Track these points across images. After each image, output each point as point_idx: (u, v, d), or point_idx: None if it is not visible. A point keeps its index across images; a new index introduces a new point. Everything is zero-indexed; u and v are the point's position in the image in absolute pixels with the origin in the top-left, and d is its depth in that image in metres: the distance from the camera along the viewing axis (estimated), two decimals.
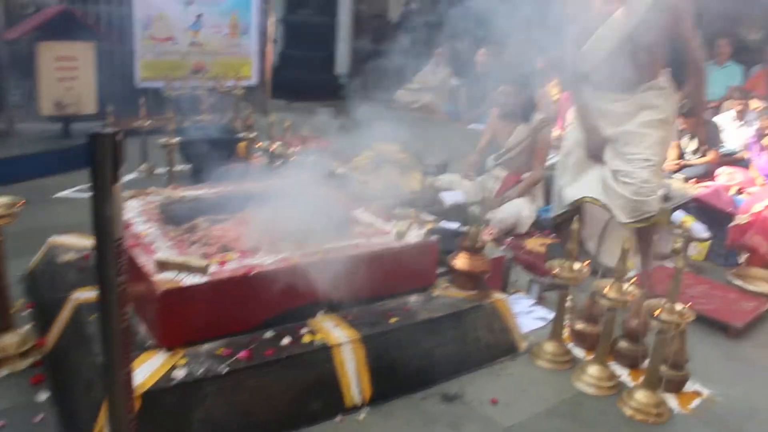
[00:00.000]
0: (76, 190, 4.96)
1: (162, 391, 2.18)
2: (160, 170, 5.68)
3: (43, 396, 2.51)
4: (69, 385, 2.48)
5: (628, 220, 3.47)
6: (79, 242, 3.47)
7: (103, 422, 2.13)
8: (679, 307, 2.63)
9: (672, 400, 2.76)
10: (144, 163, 5.74)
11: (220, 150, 4.91)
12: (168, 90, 6.96)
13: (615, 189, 3.47)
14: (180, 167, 5.30)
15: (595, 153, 3.59)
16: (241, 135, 5.26)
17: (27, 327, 2.91)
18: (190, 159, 5.40)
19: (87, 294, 2.84)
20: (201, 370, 2.30)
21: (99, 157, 1.57)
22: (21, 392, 2.53)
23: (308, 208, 3.39)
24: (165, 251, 2.67)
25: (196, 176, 5.13)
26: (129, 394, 1.76)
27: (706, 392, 2.86)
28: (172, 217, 3.27)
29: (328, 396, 2.50)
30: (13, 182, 1.53)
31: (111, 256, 1.63)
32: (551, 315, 3.44)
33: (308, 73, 10.52)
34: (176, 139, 4.98)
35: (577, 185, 3.72)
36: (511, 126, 5.00)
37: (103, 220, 1.60)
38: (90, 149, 1.56)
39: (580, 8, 3.25)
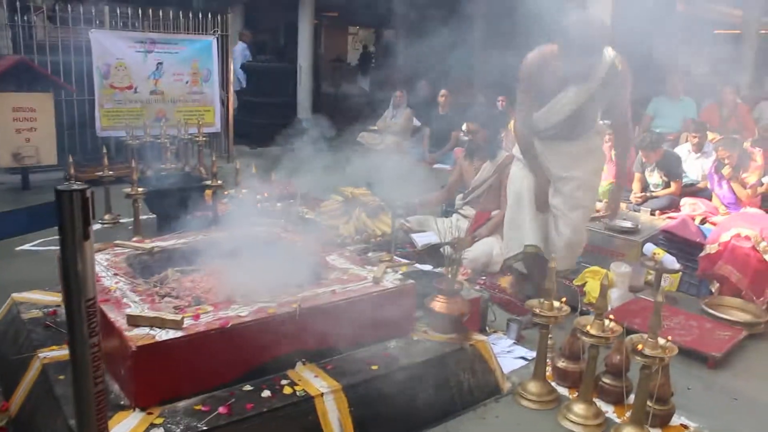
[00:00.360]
0: (39, 244, 4.81)
1: None
2: (124, 220, 5.57)
3: None
4: None
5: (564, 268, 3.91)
6: (43, 299, 3.34)
7: None
8: (661, 341, 2.62)
9: None
10: (107, 214, 5.62)
11: (186, 199, 4.83)
12: (130, 139, 6.89)
13: (554, 239, 3.87)
14: (145, 217, 5.20)
15: (542, 201, 3.88)
16: (207, 182, 5.18)
17: None
18: (155, 208, 5.30)
19: (54, 353, 2.72)
20: (179, 429, 2.20)
21: (67, 214, 1.50)
22: None
23: (281, 255, 3.34)
24: (136, 306, 2.57)
25: (163, 226, 5.03)
26: None
27: (692, 426, 2.85)
28: (140, 269, 3.18)
29: None
30: None
31: (83, 316, 1.55)
32: (531, 354, 3.42)
33: (270, 119, 10.54)
34: (141, 189, 4.89)
35: (524, 232, 3.94)
36: (476, 164, 5.03)
37: (75, 278, 1.53)
38: (58, 205, 1.49)
39: (536, 82, 3.69)
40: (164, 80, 7.86)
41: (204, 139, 7.44)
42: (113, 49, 7.42)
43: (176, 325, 2.39)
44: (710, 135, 6.73)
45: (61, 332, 2.96)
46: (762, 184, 5.42)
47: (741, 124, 7.61)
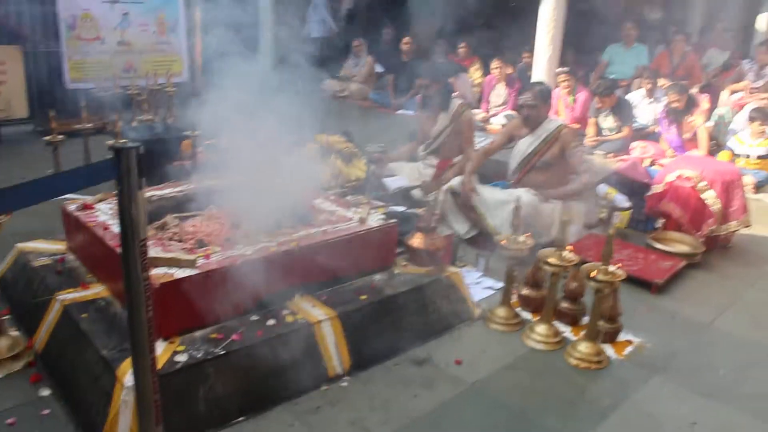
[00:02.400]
0: None
1: (170, 375, 2.40)
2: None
3: (45, 392, 2.67)
4: (71, 380, 2.66)
5: None
6: (48, 247, 3.59)
7: (117, 407, 2.33)
8: (612, 268, 3.03)
9: (609, 349, 3.18)
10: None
11: (165, 149, 5.03)
12: (100, 90, 6.98)
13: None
14: None
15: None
16: (186, 133, 5.37)
17: (15, 331, 3.03)
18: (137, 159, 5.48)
19: (72, 295, 3.00)
20: (201, 354, 2.53)
21: (125, 168, 1.78)
22: (22, 391, 2.68)
23: (271, 200, 3.63)
24: (150, 249, 2.86)
25: (144, 176, 5.24)
26: (154, 375, 1.98)
27: (636, 340, 3.30)
28: None
29: (314, 368, 2.78)
30: (46, 199, 1.72)
31: (137, 254, 1.85)
32: (498, 284, 3.83)
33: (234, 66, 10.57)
34: (124, 141, 5.06)
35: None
36: (433, 115, 5.33)
37: (131, 223, 1.82)
38: (117, 160, 1.77)
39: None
40: (131, 31, 7.90)
41: (174, 89, 7.54)
42: (79, 0, 7.41)
43: (191, 264, 2.70)
44: (661, 81, 7.15)
45: (72, 277, 3.24)
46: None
47: (689, 71, 8.02)
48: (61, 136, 5.13)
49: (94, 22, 7.58)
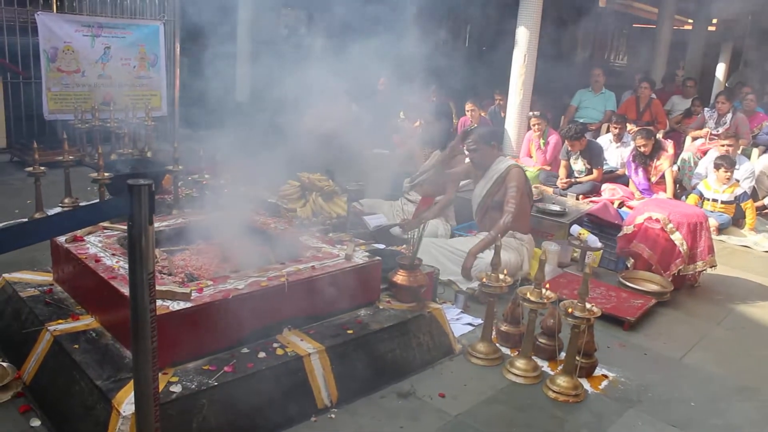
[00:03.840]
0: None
1: (165, 405, 2.44)
2: (83, 204, 5.74)
3: (35, 422, 2.69)
4: (62, 411, 2.68)
5: None
6: (34, 278, 3.60)
7: None
8: (588, 305, 3.18)
9: (585, 383, 3.31)
10: (67, 198, 5.78)
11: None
12: (78, 123, 7.02)
13: None
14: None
15: None
16: (168, 167, 5.43)
17: (3, 362, 3.04)
18: (115, 192, 5.51)
19: (62, 326, 3.03)
20: (195, 384, 2.59)
21: (137, 203, 1.87)
22: (12, 421, 2.69)
23: (260, 236, 3.73)
24: None
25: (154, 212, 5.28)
26: (157, 404, 2.04)
27: (611, 375, 3.44)
28: None
29: (303, 400, 2.85)
30: (62, 234, 1.80)
31: (146, 286, 1.92)
32: (476, 321, 3.95)
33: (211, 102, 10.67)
34: (107, 174, 5.12)
35: None
36: (427, 152, 5.50)
37: (140, 256, 1.90)
38: (130, 196, 1.86)
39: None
40: (111, 64, 7.96)
41: (152, 123, 7.62)
42: (60, 33, 7.47)
43: (185, 297, 2.76)
44: (629, 126, 7.45)
45: (61, 308, 3.27)
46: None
47: (655, 116, 8.36)
48: (42, 168, 5.15)
49: (75, 54, 7.64)
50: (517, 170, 4.59)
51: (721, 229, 6.17)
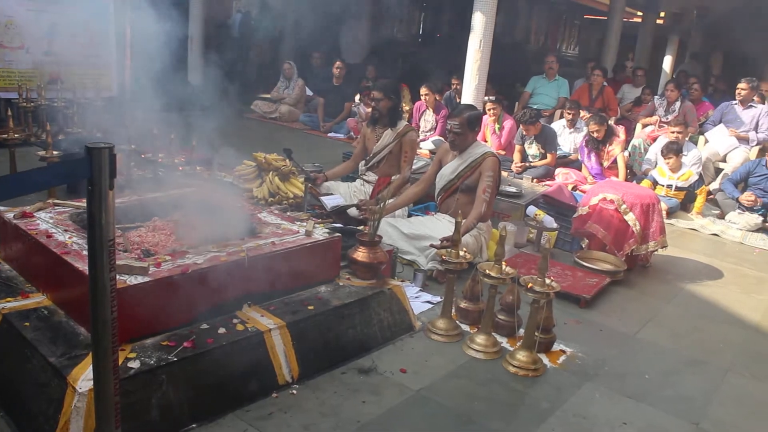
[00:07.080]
0: None
1: (123, 381, 2.37)
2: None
3: None
4: (13, 390, 2.58)
5: None
6: None
7: (68, 414, 2.29)
8: (547, 281, 3.22)
9: (544, 358, 3.36)
10: None
11: None
12: (23, 101, 6.77)
13: None
14: None
15: None
16: (123, 147, 5.29)
17: None
18: None
19: (11, 304, 2.91)
20: (153, 360, 2.52)
21: (97, 167, 1.81)
22: None
23: (216, 212, 3.65)
24: None
25: (74, 189, 5.14)
26: (116, 378, 1.98)
27: (568, 350, 3.51)
28: (84, 226, 3.38)
29: (264, 376, 2.81)
30: (19, 195, 1.72)
31: (106, 253, 1.86)
32: (435, 299, 3.97)
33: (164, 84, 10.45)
34: (56, 153, 4.95)
35: None
36: (378, 131, 5.46)
37: (100, 222, 1.83)
38: (89, 160, 1.79)
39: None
40: (58, 41, 7.67)
41: (102, 103, 7.38)
42: (3, 6, 7.18)
43: (143, 271, 2.69)
44: (582, 112, 7.59)
45: (9, 286, 3.14)
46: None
47: (607, 104, 8.54)
48: None
49: (19, 29, 7.35)
50: (493, 159, 4.59)
51: (670, 213, 6.34)
